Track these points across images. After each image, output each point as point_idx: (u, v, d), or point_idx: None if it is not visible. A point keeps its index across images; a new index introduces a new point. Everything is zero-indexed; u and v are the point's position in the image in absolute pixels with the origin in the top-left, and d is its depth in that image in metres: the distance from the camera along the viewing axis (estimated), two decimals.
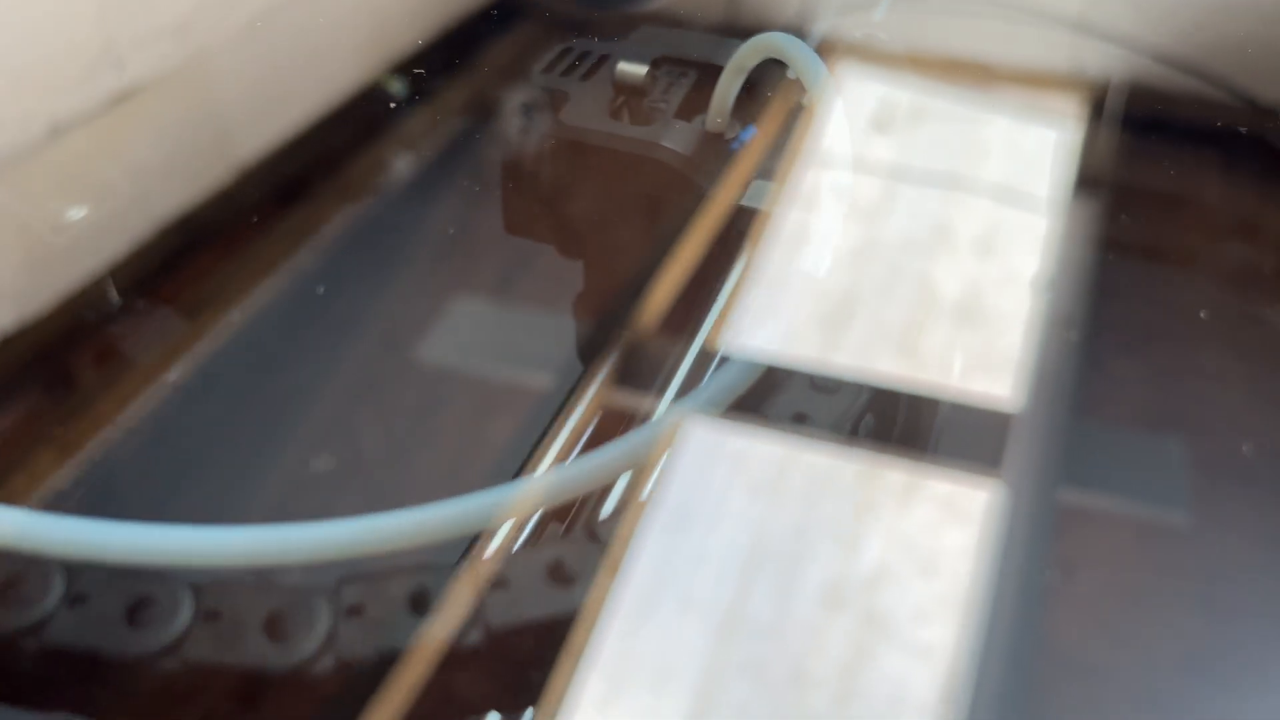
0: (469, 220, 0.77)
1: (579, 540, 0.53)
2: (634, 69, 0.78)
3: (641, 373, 0.60)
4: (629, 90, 0.85)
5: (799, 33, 0.97)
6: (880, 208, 0.89)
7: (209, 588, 0.31)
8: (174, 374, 0.54)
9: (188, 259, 0.56)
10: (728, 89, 0.69)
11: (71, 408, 0.50)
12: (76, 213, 0.46)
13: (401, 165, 0.77)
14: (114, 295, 0.48)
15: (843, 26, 0.96)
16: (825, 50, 0.98)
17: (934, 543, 0.54)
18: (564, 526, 0.54)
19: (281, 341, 0.57)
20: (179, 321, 0.55)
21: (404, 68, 0.84)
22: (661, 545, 0.56)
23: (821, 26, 0.96)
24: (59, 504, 0.44)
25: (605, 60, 0.89)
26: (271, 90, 0.69)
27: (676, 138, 0.83)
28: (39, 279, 0.47)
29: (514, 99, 0.87)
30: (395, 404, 0.57)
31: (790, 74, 0.92)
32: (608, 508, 0.55)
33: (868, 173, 0.93)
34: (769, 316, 0.76)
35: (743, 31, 0.97)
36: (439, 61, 0.87)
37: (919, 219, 0.83)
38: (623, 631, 0.51)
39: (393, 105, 0.82)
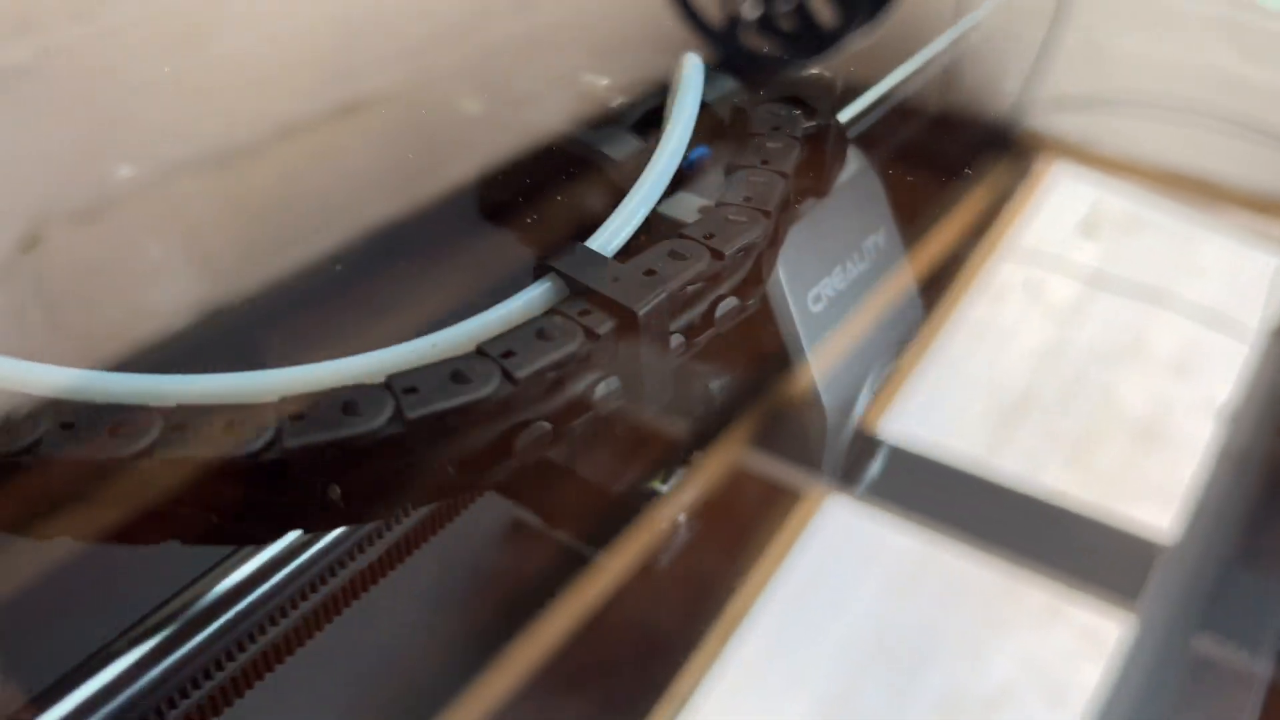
0: None
1: (688, 596, 0.53)
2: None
3: (784, 439, 0.59)
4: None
5: (1016, 125, 0.95)
6: (1074, 312, 0.85)
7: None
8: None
9: (384, 266, 0.59)
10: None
11: None
12: (293, 205, 0.49)
13: (600, 206, 0.79)
14: (316, 285, 0.51)
15: (1059, 123, 0.93)
16: (1038, 145, 0.95)
17: (1065, 673, 0.51)
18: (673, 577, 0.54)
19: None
20: (364, 321, 0.58)
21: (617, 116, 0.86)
22: (780, 619, 0.55)
23: (1037, 120, 0.93)
24: None
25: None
26: (489, 118, 0.72)
27: None
28: (250, 262, 0.51)
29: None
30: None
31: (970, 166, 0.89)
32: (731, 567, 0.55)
33: (1067, 275, 0.89)
34: (935, 405, 0.74)
35: (956, 119, 0.95)
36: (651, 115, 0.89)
37: (1113, 329, 0.79)
38: (724, 695, 0.50)
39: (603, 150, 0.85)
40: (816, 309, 0.33)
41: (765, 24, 0.49)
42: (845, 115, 0.94)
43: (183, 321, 0.42)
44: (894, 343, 0.36)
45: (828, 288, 0.33)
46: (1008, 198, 0.90)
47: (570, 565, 0.48)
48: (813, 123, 0.33)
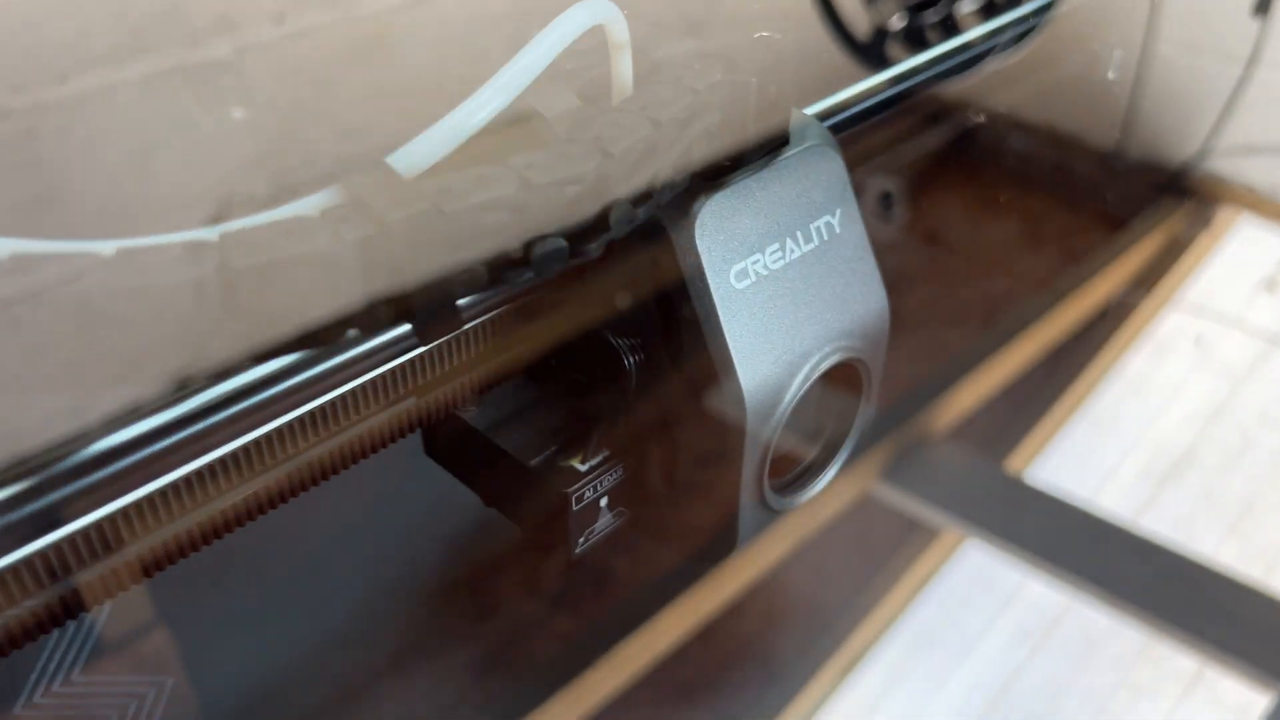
0: None
1: (809, 623, 0.52)
2: None
3: (920, 473, 0.58)
4: None
5: (1198, 171, 0.90)
6: (1248, 371, 0.80)
7: None
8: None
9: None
10: None
11: None
12: (479, 197, 0.51)
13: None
14: (483, 281, 0.52)
15: (1247, 172, 0.88)
16: (1221, 194, 0.90)
17: None
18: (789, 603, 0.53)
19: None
20: (522, 328, 0.59)
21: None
22: (902, 659, 0.54)
23: (1222, 168, 0.89)
24: None
25: None
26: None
27: None
28: (417, 261, 0.53)
29: (878, 181, 0.88)
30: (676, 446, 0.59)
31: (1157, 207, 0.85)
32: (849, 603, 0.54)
33: (1243, 331, 0.84)
34: (1086, 458, 0.71)
35: (1133, 161, 0.92)
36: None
37: None
38: None
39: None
40: (741, 285, 0.31)
41: (911, 36, 0.48)
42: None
43: (349, 307, 0.44)
44: (846, 335, 0.33)
45: (758, 264, 0.31)
46: (1183, 247, 0.86)
47: (688, 573, 0.48)
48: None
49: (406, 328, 0.29)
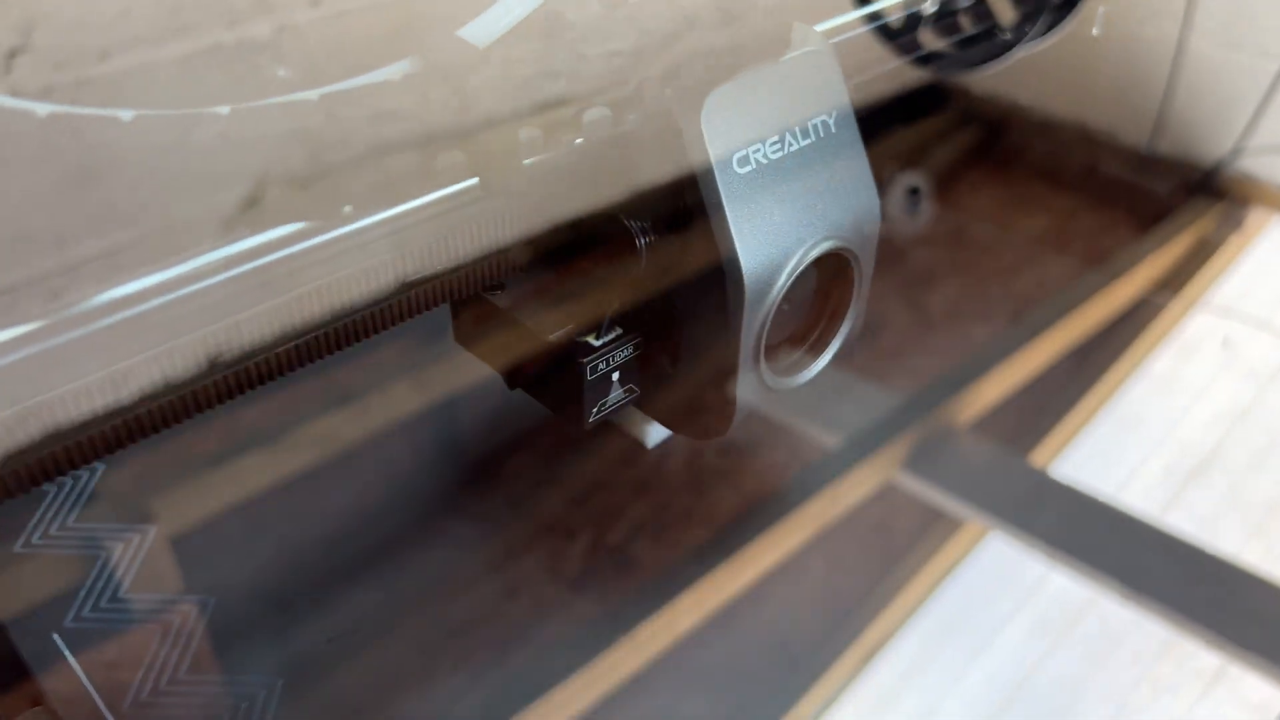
0: None
1: (829, 611, 0.52)
2: None
3: (943, 464, 0.58)
4: None
5: (1230, 172, 0.89)
6: (1275, 373, 0.79)
7: None
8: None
9: (563, 258, 0.61)
10: None
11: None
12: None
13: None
14: (499, 273, 0.52)
15: (1279, 171, 0.87)
16: (1254, 195, 0.89)
17: None
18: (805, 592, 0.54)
19: None
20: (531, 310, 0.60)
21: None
22: (922, 649, 0.54)
23: (1255, 168, 0.88)
24: None
25: None
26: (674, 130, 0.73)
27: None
28: (443, 243, 0.53)
29: (904, 179, 0.88)
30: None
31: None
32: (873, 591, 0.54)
33: (1271, 333, 0.83)
34: (1111, 454, 0.71)
35: (1164, 158, 0.91)
36: None
37: None
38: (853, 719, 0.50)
39: None
40: (743, 171, 0.34)
41: (943, 21, 0.48)
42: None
43: (381, 291, 0.45)
44: (838, 225, 0.37)
45: (759, 153, 0.34)
46: (1213, 247, 0.85)
47: (708, 556, 0.48)
48: None
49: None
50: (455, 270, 0.33)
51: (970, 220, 0.87)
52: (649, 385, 0.38)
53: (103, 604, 0.40)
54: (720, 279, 0.33)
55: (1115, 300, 0.79)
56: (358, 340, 0.33)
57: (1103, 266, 0.82)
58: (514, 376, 0.39)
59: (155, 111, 0.34)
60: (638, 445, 0.51)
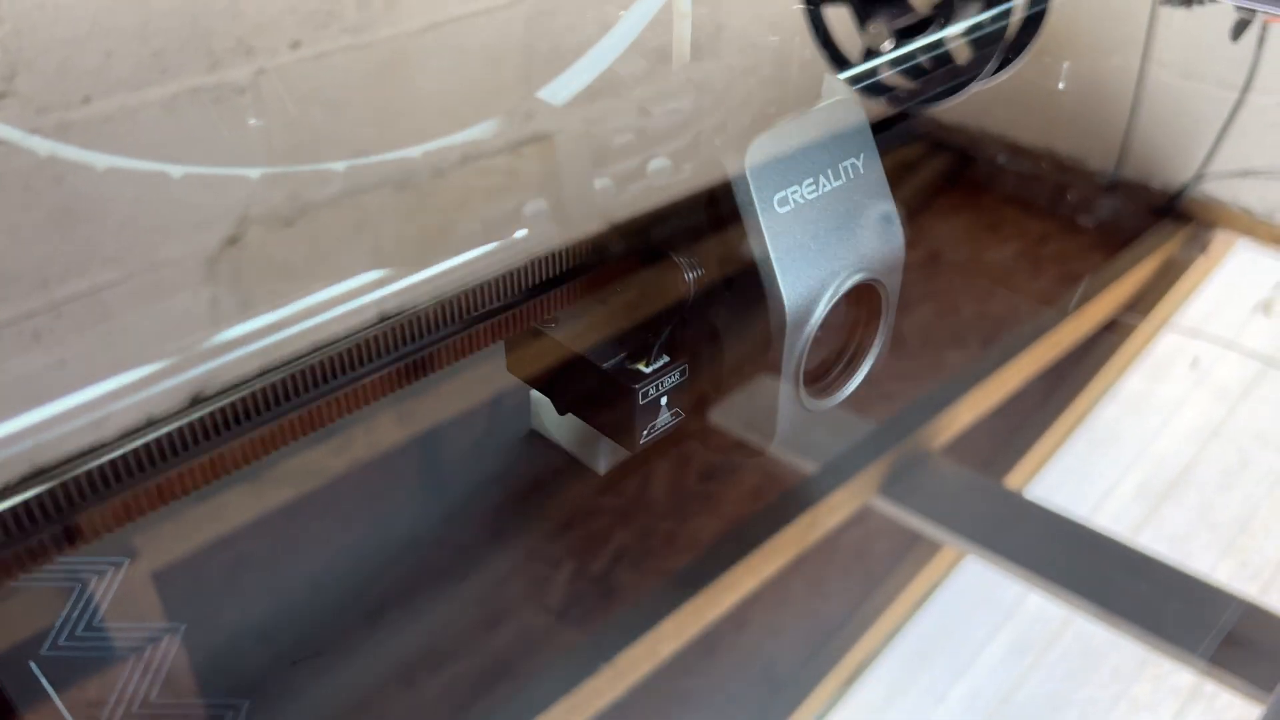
0: None
1: (809, 634, 0.53)
2: None
3: (919, 488, 0.59)
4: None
5: (1194, 196, 0.91)
6: (1244, 392, 0.81)
7: None
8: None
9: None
10: None
11: None
12: (465, 226, 0.53)
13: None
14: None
15: (1243, 196, 0.89)
16: (1218, 218, 0.91)
17: None
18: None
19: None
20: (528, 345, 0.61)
21: None
22: (901, 672, 0.55)
23: (1218, 192, 0.90)
24: None
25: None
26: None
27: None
28: (424, 276, 0.54)
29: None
30: (682, 460, 0.60)
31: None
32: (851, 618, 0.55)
33: (1239, 353, 0.85)
34: (1085, 475, 0.72)
35: (1129, 184, 0.93)
36: None
37: None
38: None
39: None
40: (783, 210, 0.38)
41: (901, 60, 0.50)
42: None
43: (362, 323, 0.46)
44: (867, 259, 0.40)
45: (796, 194, 0.38)
46: (1179, 270, 0.87)
47: (688, 582, 0.49)
48: None
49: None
50: (509, 307, 0.36)
51: (943, 246, 0.88)
52: (694, 408, 0.41)
53: (79, 633, 0.42)
54: (764, 309, 0.37)
55: (1086, 323, 0.80)
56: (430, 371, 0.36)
57: (1073, 290, 0.83)
58: (566, 402, 0.42)
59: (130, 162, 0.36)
60: (618, 472, 0.52)
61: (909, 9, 0.53)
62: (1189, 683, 0.55)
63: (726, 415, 0.40)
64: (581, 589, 0.50)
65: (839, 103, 0.39)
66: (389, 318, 0.34)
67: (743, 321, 0.38)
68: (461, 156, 0.40)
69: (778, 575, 0.53)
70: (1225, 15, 0.82)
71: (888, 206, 0.40)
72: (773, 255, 0.36)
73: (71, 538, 0.32)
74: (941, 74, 0.50)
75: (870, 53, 0.53)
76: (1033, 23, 0.54)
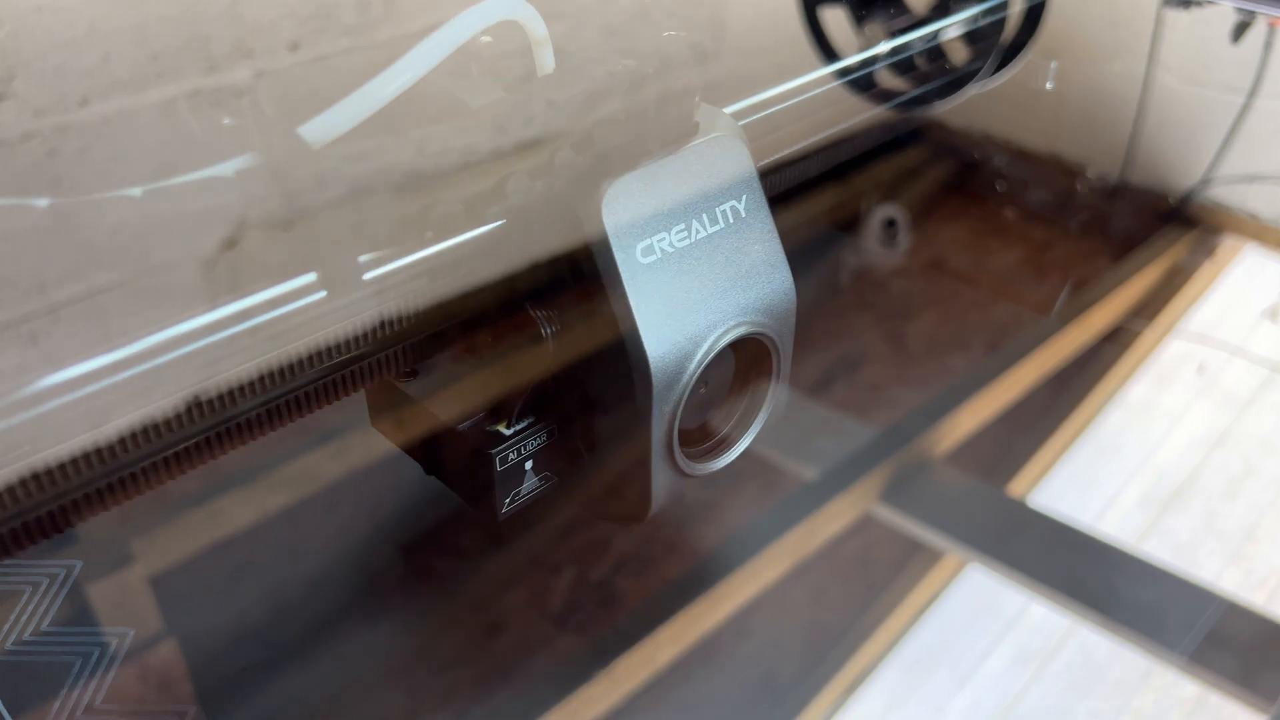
0: (810, 317, 0.79)
1: (810, 643, 0.52)
2: None
3: (921, 496, 0.59)
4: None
5: (1201, 201, 0.91)
6: (1250, 399, 0.81)
7: None
8: None
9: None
10: None
11: None
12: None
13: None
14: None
15: (1251, 201, 0.89)
16: (1225, 224, 0.91)
17: None
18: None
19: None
20: None
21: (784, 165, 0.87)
22: (903, 682, 0.54)
23: (1225, 197, 0.89)
24: None
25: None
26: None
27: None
28: (422, 281, 0.53)
29: (882, 212, 0.89)
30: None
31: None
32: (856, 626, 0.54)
33: (1245, 359, 0.84)
34: (1089, 482, 0.72)
35: (1135, 189, 0.92)
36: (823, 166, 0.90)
37: None
38: None
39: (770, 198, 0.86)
40: (647, 260, 0.33)
41: (898, 62, 0.50)
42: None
43: (359, 331, 0.46)
44: (750, 310, 0.36)
45: (664, 242, 0.33)
46: (1186, 275, 0.86)
47: (685, 589, 0.49)
48: None
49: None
50: (361, 358, 0.33)
51: (945, 251, 0.88)
52: (563, 473, 0.38)
53: (25, 637, 0.41)
54: (628, 368, 0.33)
55: (1090, 329, 0.80)
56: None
57: (1078, 296, 0.83)
58: (429, 464, 0.39)
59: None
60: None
61: (905, 10, 0.52)
62: (1193, 693, 0.55)
63: (598, 481, 0.38)
64: (583, 597, 0.50)
65: (716, 139, 0.34)
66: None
67: (609, 381, 0.35)
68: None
69: (777, 583, 0.53)
70: (1230, 20, 0.81)
71: (774, 252, 0.36)
72: (635, 311, 0.32)
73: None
74: (938, 76, 0.49)
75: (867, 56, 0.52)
76: (1030, 24, 0.53)
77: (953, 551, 0.59)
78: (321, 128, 0.33)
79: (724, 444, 0.38)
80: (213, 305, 0.32)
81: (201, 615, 0.48)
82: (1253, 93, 0.83)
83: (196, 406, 0.30)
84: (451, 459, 0.37)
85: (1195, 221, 0.90)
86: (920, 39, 0.51)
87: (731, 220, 0.35)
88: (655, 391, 0.33)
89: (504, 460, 0.36)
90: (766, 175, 0.40)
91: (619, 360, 0.33)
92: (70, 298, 0.44)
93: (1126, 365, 0.79)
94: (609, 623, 0.49)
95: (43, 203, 0.43)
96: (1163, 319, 0.83)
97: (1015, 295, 0.85)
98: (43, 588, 0.42)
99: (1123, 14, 0.88)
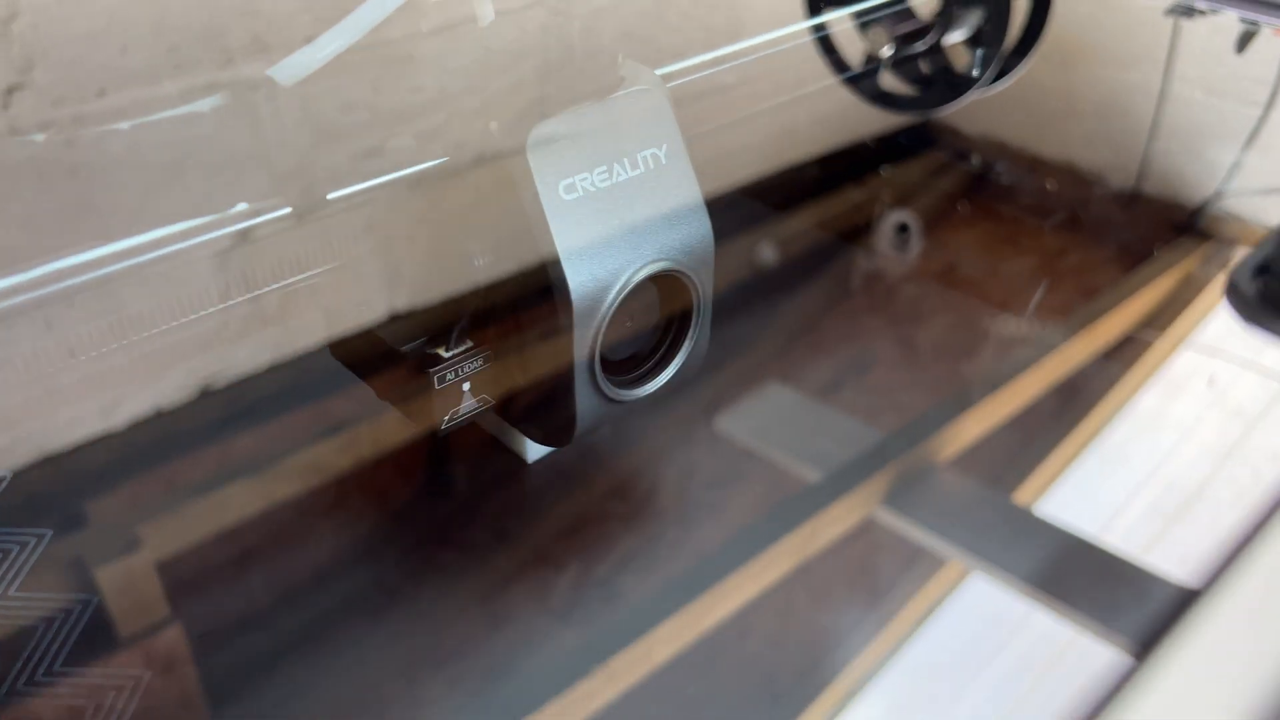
0: (821, 320, 0.79)
1: (810, 647, 0.53)
2: None
3: (924, 501, 0.59)
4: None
5: (1215, 211, 0.91)
6: (1261, 412, 0.80)
7: None
8: None
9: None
10: None
11: None
12: (478, 225, 0.53)
13: (769, 256, 0.80)
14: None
15: (1265, 212, 0.88)
16: (1239, 235, 0.90)
17: None
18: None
19: None
20: None
21: (798, 170, 0.88)
22: (903, 689, 0.54)
23: (1240, 208, 0.89)
24: None
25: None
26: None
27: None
28: (433, 273, 0.54)
29: (894, 217, 0.89)
30: (690, 468, 0.60)
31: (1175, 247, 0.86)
32: (853, 634, 0.54)
33: (1257, 373, 0.84)
34: (1097, 493, 0.71)
35: (1150, 198, 0.92)
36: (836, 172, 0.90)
37: None
38: None
39: (776, 205, 0.87)
40: (569, 197, 0.37)
41: (902, 66, 0.50)
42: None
43: (371, 320, 0.46)
44: (668, 249, 0.40)
45: (586, 181, 0.37)
46: (1198, 286, 0.86)
47: (684, 588, 0.49)
48: None
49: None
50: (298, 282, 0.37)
51: (958, 258, 0.88)
52: (498, 394, 0.41)
53: None
54: (552, 295, 0.36)
55: (1100, 338, 0.80)
56: None
57: (1089, 305, 0.83)
58: (380, 388, 0.42)
59: None
60: (629, 478, 0.51)
61: (909, 15, 0.53)
62: None
63: (530, 403, 0.40)
64: (585, 593, 0.50)
65: (639, 91, 0.38)
66: None
67: (538, 309, 0.38)
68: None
69: (778, 585, 0.53)
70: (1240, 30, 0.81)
71: (694, 198, 0.39)
72: (556, 241, 0.35)
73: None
74: (941, 79, 0.49)
75: (871, 59, 0.52)
76: (1034, 30, 0.53)
77: (955, 558, 0.59)
78: (290, 69, 0.36)
79: (649, 374, 0.41)
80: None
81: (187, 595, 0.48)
82: (1270, 105, 0.83)
83: None
84: (399, 381, 0.40)
85: (1209, 233, 0.90)
86: (922, 43, 0.51)
87: (652, 166, 0.38)
88: (576, 317, 0.36)
89: (441, 379, 0.39)
90: (765, 176, 0.41)
91: (544, 288, 0.36)
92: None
93: (1137, 376, 0.78)
94: (609, 619, 0.49)
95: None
96: (1174, 330, 0.82)
97: (1026, 303, 0.84)
98: (12, 554, 0.43)
99: (1140, 24, 0.88)
